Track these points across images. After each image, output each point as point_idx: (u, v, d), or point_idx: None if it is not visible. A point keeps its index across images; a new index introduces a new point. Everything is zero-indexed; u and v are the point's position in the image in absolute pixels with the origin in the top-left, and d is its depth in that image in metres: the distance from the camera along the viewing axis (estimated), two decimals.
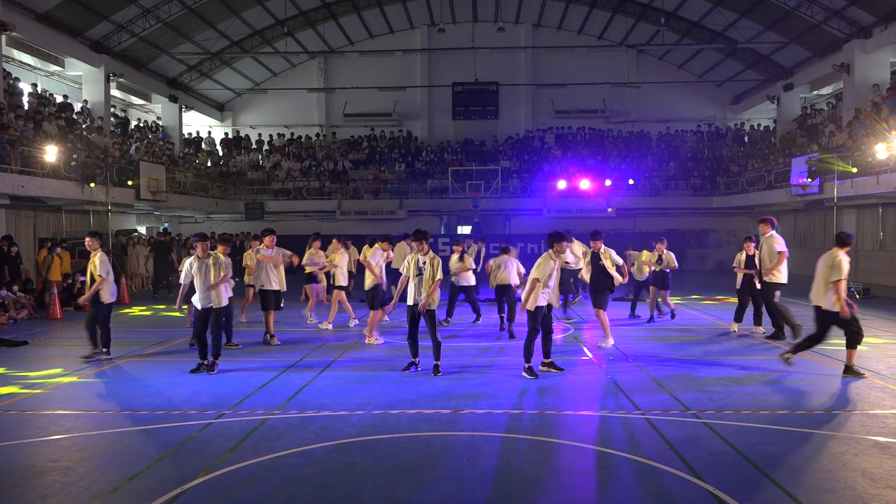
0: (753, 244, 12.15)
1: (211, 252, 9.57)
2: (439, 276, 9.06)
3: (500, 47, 31.69)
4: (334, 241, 13.60)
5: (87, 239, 10.61)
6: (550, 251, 8.95)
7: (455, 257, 13.36)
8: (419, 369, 9.34)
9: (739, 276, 12.41)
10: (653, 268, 14.00)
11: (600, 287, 11.08)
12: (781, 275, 11.32)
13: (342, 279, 13.30)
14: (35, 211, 19.57)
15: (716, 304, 17.23)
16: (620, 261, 11.13)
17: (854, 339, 8.77)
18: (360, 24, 32.70)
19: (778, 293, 11.38)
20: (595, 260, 11.16)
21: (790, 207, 26.07)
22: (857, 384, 8.42)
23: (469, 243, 18.33)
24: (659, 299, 14.39)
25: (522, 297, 8.96)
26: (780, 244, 11.33)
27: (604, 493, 5.20)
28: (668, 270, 13.85)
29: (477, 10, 32.16)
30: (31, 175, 17.37)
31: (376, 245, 12.34)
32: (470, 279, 13.37)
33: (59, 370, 9.77)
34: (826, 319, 8.75)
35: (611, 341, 11.27)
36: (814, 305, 8.93)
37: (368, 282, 11.85)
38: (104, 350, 10.56)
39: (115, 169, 20.99)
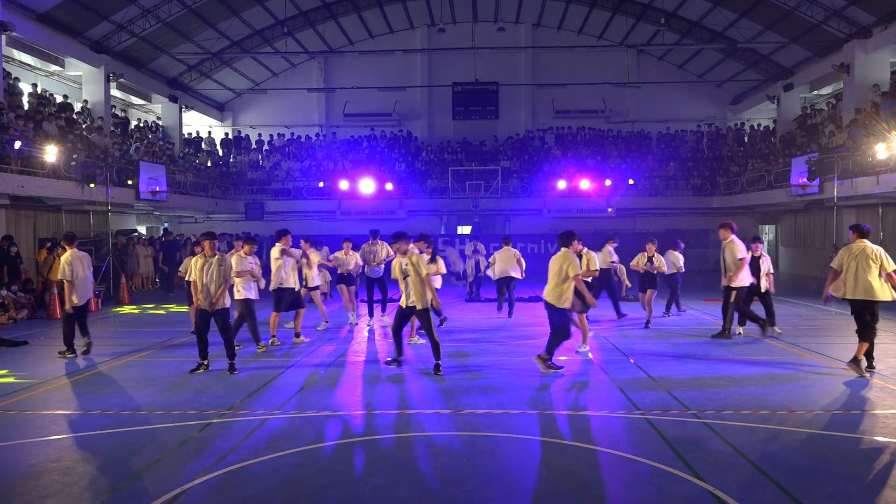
0: (761, 245, 12.00)
1: (218, 252, 9.53)
2: (424, 271, 9.11)
3: (500, 47, 31.67)
4: (302, 241, 13.00)
5: (62, 240, 10.80)
6: (568, 249, 9.06)
7: (426, 258, 12.69)
8: (400, 367, 9.33)
9: None
10: (642, 269, 13.56)
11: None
12: (743, 279, 11.46)
13: (314, 280, 13.16)
14: (35, 211, 19.56)
15: (717, 304, 17.20)
16: (595, 266, 10.75)
17: (869, 332, 8.78)
18: (360, 24, 32.70)
19: (735, 294, 11.53)
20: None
21: (790, 207, 26.06)
22: (857, 384, 8.42)
23: (474, 244, 18.36)
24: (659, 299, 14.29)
25: (566, 299, 8.87)
26: (740, 250, 11.41)
27: (604, 493, 5.20)
28: (656, 273, 13.43)
29: (477, 10, 32.15)
30: (32, 175, 17.38)
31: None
32: (436, 281, 12.53)
33: (66, 369, 9.78)
34: (866, 308, 8.72)
35: (587, 347, 10.72)
36: (851, 299, 8.75)
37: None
38: (88, 345, 10.74)
39: (115, 169, 20.98)
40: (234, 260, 10.85)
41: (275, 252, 11.54)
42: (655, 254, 13.46)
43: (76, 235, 11.08)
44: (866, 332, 8.77)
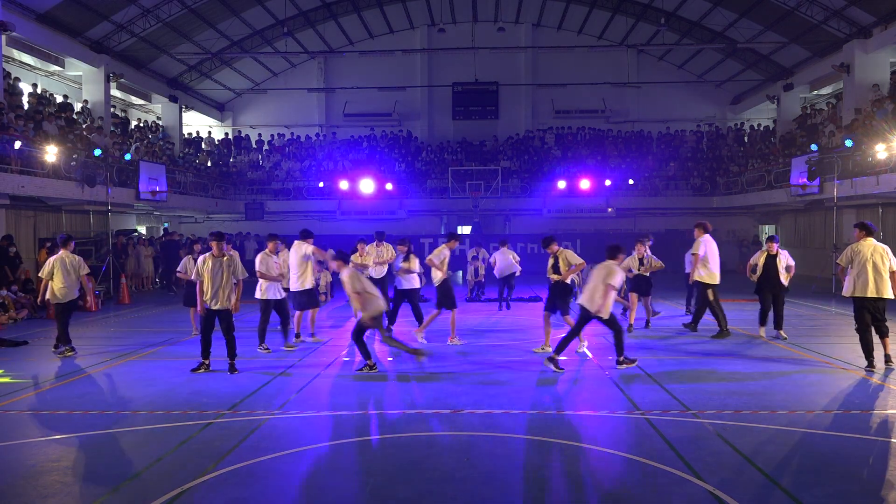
0: (776, 244, 11.70)
1: (227, 253, 9.48)
2: (350, 288, 9.18)
3: (500, 47, 31.67)
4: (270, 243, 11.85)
5: (59, 241, 11.11)
6: (614, 261, 9.28)
7: (389, 253, 12.71)
8: (374, 370, 9.30)
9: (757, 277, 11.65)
10: (632, 272, 12.54)
11: (562, 292, 10.55)
12: (711, 276, 11.73)
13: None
14: (35, 211, 19.57)
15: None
16: (578, 260, 10.59)
17: (886, 327, 9.17)
18: (360, 24, 32.70)
19: (710, 291, 11.83)
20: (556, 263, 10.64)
21: (790, 207, 26.06)
22: (857, 384, 8.42)
23: (476, 250, 18.63)
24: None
25: (605, 307, 9.05)
26: (699, 247, 11.72)
27: (604, 493, 5.20)
28: (649, 274, 12.59)
29: (477, 10, 32.15)
30: (31, 175, 17.38)
31: (444, 245, 11.78)
32: (414, 281, 12.09)
33: (66, 369, 9.78)
34: (879, 306, 9.02)
35: (585, 343, 10.75)
36: (872, 297, 8.95)
37: (437, 277, 11.50)
38: (57, 346, 10.87)
39: (115, 169, 20.98)
40: (258, 258, 10.79)
41: (309, 250, 11.46)
42: (646, 254, 12.75)
43: (71, 238, 11.08)
44: (886, 328, 9.10)
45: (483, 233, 28.84)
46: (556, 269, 10.53)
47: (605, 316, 9.10)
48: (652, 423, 6.82)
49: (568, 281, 10.61)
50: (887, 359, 9.14)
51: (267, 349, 10.97)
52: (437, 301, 11.50)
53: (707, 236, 11.83)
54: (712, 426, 6.66)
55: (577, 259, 10.56)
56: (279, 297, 11.10)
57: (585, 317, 9.22)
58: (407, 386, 8.66)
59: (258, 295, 11.03)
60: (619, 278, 9.13)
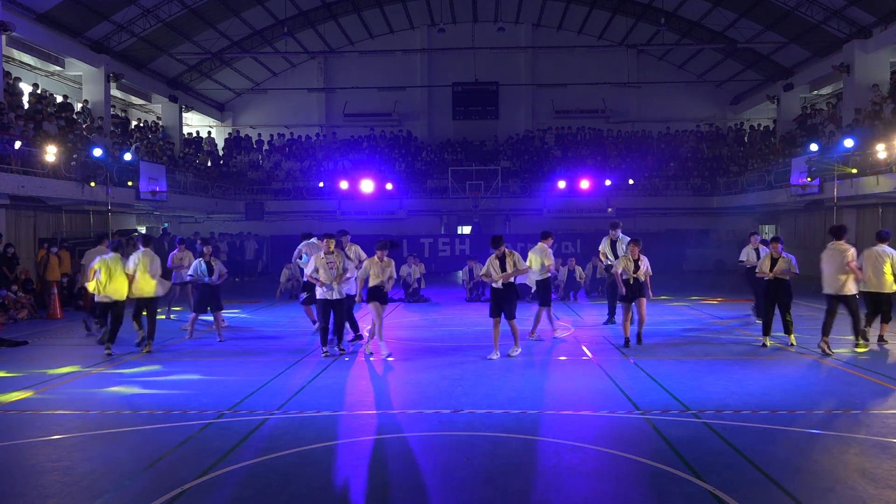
0: (780, 246, 11.08)
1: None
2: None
3: (500, 47, 31.69)
4: (200, 240, 12.52)
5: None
6: (841, 241, 10.20)
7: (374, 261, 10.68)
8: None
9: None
10: (631, 276, 11.04)
11: (510, 296, 10.27)
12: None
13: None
14: (35, 211, 19.56)
15: (717, 304, 17.21)
16: (524, 266, 10.43)
17: (890, 317, 10.76)
18: (360, 24, 32.71)
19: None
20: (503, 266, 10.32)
21: (790, 207, 26.06)
22: (857, 384, 8.43)
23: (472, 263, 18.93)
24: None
25: (846, 287, 10.13)
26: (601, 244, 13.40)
27: (604, 493, 5.20)
28: (643, 280, 11.05)
29: (477, 10, 32.16)
30: (32, 175, 17.38)
31: (540, 243, 11.86)
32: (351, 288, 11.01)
33: (67, 369, 9.78)
34: (885, 302, 10.49)
35: (519, 350, 10.56)
36: (872, 293, 10.48)
37: (542, 276, 11.71)
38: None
39: (116, 169, 20.98)
40: (311, 260, 10.55)
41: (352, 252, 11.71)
42: (641, 256, 11.36)
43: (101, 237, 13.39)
44: (889, 317, 10.61)
45: (483, 233, 28.84)
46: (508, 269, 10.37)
47: (851, 292, 10.08)
48: (652, 423, 6.82)
49: (512, 280, 10.38)
50: (880, 338, 10.58)
51: (326, 353, 10.59)
52: (540, 298, 11.88)
53: (618, 232, 13.13)
54: (712, 426, 6.66)
55: (523, 264, 10.42)
56: (332, 298, 10.49)
57: (831, 301, 10.28)
58: (406, 385, 8.66)
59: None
60: (853, 255, 10.01)
